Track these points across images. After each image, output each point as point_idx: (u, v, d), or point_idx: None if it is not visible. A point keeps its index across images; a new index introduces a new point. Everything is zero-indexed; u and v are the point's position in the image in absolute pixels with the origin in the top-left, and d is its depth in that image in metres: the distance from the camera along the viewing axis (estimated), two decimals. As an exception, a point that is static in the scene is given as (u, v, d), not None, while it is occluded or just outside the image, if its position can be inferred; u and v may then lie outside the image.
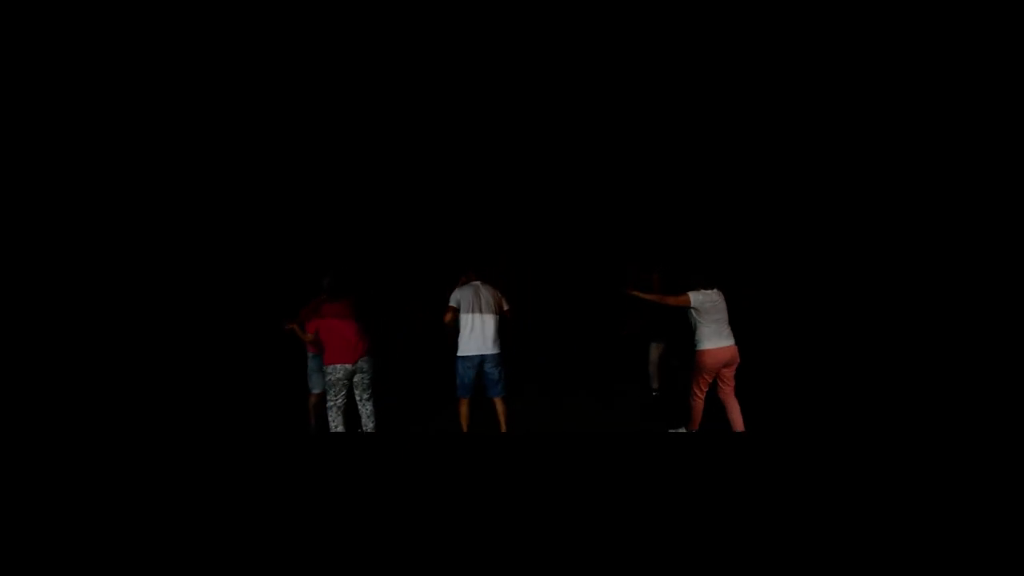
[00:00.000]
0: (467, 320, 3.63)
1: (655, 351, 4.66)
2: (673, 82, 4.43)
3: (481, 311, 3.65)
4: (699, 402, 3.56)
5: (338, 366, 3.48)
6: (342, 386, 3.52)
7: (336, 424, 3.54)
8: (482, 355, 3.65)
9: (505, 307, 3.76)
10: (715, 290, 3.51)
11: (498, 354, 3.70)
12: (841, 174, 4.86)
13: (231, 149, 4.82)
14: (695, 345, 3.51)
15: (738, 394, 3.57)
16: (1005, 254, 3.97)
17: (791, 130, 4.80)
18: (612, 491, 2.44)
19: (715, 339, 3.43)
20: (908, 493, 2.35)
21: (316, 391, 4.00)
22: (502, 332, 3.80)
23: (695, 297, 3.43)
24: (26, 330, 3.84)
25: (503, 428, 3.76)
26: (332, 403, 3.53)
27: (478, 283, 3.72)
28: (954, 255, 4.24)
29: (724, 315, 3.48)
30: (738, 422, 3.52)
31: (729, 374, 3.52)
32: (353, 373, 3.54)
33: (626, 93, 4.60)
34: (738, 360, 3.51)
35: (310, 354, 3.93)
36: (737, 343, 3.50)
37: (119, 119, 4.10)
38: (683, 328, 4.37)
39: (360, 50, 4.03)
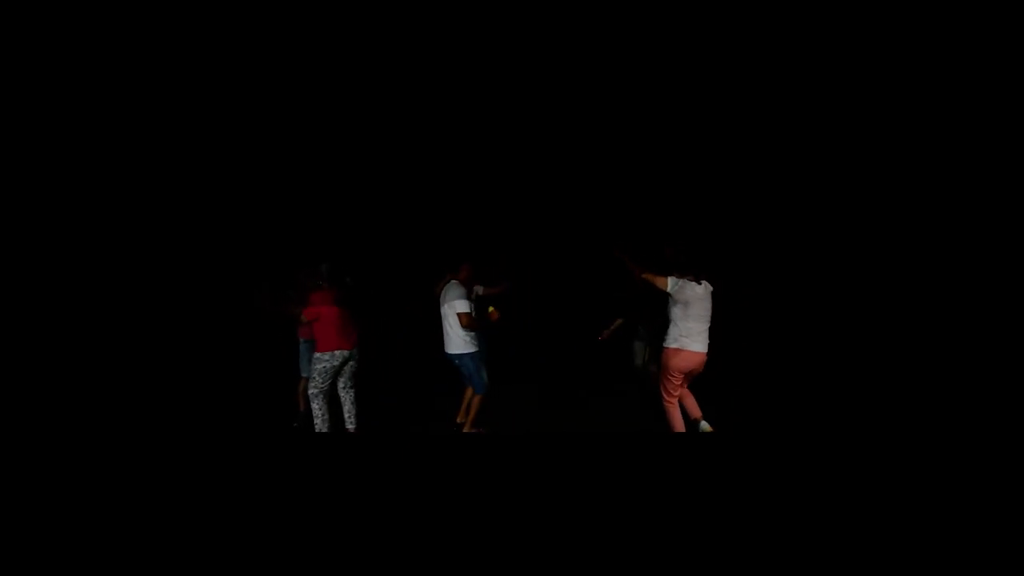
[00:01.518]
0: None
1: (639, 354, 4.56)
2: (667, 85, 4.41)
3: (441, 310, 3.69)
4: (674, 407, 3.30)
5: (337, 352, 3.53)
6: (334, 373, 3.58)
7: (322, 411, 3.58)
8: (446, 353, 3.72)
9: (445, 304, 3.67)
10: (702, 284, 3.19)
11: (454, 355, 3.65)
12: (836, 173, 4.85)
13: (229, 145, 4.81)
14: (663, 341, 3.23)
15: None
16: (1004, 254, 3.95)
17: (785, 128, 4.78)
18: (611, 491, 2.42)
19: (690, 340, 3.14)
20: (906, 494, 2.34)
21: (307, 375, 4.02)
22: (483, 334, 3.80)
23: (672, 282, 3.13)
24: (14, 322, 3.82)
25: (458, 417, 3.87)
26: (318, 390, 3.56)
27: (453, 282, 3.69)
28: (951, 254, 4.23)
29: (706, 314, 3.17)
30: (694, 409, 3.31)
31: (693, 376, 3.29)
32: (347, 361, 3.61)
33: (622, 95, 4.59)
34: (702, 369, 3.24)
35: (302, 339, 3.97)
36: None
37: (103, 114, 4.09)
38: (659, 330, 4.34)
39: (361, 47, 4.01)
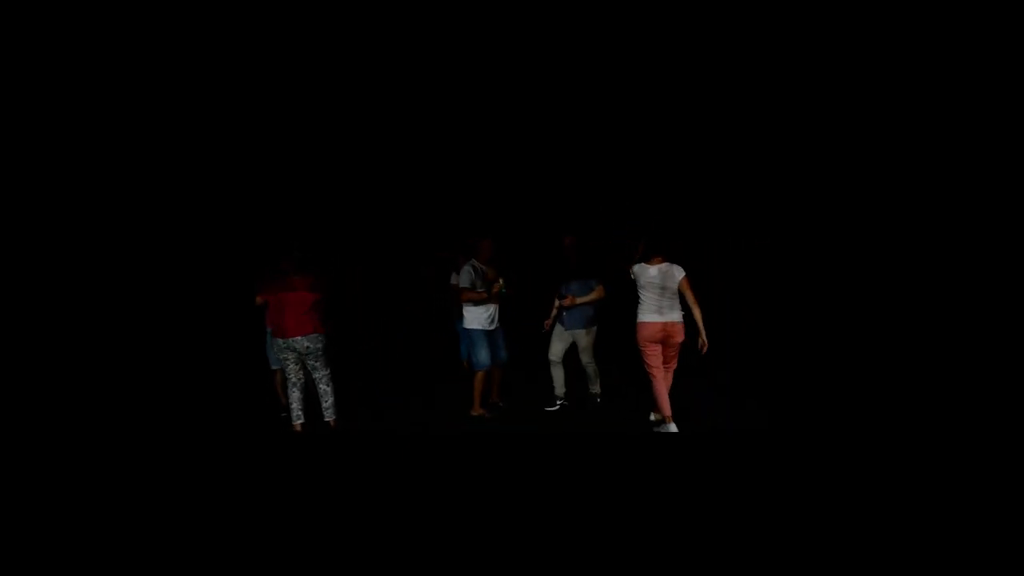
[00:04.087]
0: None
1: (588, 343, 4.24)
2: (658, 81, 4.40)
3: None
4: (657, 382, 3.47)
5: (279, 340, 3.44)
6: (289, 362, 3.47)
7: (297, 403, 3.52)
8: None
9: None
10: (662, 265, 3.42)
11: (462, 328, 4.06)
12: (839, 169, 4.84)
13: (226, 143, 4.80)
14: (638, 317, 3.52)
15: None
16: (1005, 253, 3.94)
17: (786, 123, 4.77)
18: (611, 491, 2.41)
19: (648, 313, 3.43)
20: (908, 494, 2.33)
21: (276, 367, 3.98)
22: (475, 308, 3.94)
23: (636, 269, 3.48)
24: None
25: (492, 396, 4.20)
26: (290, 380, 3.52)
27: (471, 261, 3.92)
28: (953, 252, 4.22)
29: (664, 290, 3.41)
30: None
31: (671, 353, 3.49)
32: (297, 351, 3.44)
33: (613, 95, 4.58)
34: (680, 337, 3.44)
35: (268, 329, 3.82)
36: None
37: (93, 107, 4.06)
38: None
39: (352, 43, 4.00)
